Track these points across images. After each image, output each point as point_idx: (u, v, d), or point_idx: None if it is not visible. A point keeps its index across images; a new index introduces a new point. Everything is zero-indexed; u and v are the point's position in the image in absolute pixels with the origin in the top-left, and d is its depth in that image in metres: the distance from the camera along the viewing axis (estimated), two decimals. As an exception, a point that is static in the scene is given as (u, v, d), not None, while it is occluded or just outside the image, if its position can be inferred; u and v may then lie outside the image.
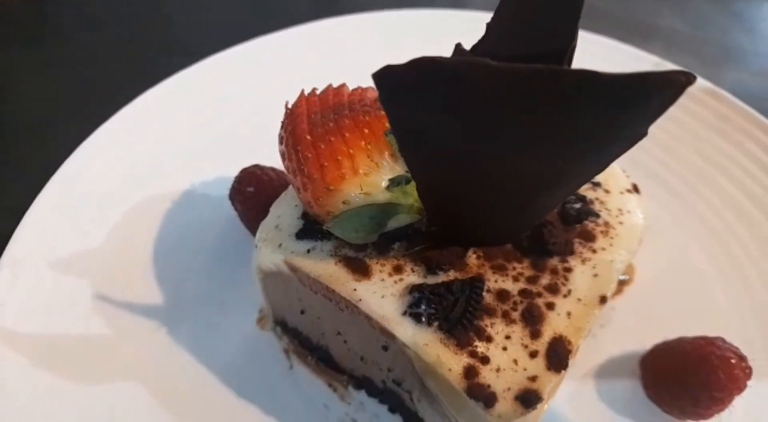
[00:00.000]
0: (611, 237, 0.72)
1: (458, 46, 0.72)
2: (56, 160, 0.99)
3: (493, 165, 0.54)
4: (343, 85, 0.75)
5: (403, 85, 0.48)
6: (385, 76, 0.48)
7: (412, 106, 0.50)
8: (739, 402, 0.77)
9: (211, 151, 1.09)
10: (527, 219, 0.67)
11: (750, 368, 0.74)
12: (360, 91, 0.74)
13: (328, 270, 0.67)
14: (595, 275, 0.68)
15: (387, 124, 0.67)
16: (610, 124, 0.48)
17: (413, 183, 0.62)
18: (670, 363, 0.81)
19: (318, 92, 0.75)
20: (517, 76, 0.45)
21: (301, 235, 0.70)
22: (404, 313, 0.64)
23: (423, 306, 0.64)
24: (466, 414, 0.65)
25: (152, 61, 1.37)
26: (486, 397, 0.61)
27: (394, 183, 0.64)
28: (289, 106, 0.76)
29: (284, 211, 0.74)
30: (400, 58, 0.47)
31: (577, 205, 0.74)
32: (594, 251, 0.70)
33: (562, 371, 0.62)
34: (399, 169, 0.66)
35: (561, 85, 0.44)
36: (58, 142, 1.03)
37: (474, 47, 0.66)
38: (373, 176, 0.64)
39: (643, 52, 1.22)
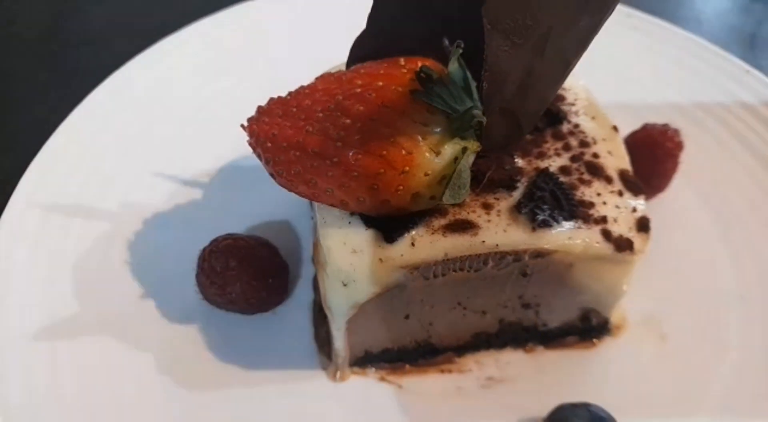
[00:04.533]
0: (568, 90, 0.82)
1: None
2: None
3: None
4: (301, 88, 0.68)
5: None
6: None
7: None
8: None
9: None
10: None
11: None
12: (322, 83, 0.68)
13: (446, 244, 0.65)
14: (593, 117, 0.79)
15: (399, 88, 0.64)
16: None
17: (473, 117, 0.62)
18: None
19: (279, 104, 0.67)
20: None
21: (390, 239, 0.65)
22: (533, 229, 0.66)
23: (539, 214, 0.66)
24: (608, 276, 0.72)
25: (66, 53, 1.31)
26: (627, 244, 0.69)
27: (461, 128, 0.62)
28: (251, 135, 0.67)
29: (344, 236, 0.66)
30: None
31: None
32: (573, 104, 0.80)
33: (642, 191, 0.73)
34: (442, 118, 0.64)
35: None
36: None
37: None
38: (433, 137, 0.62)
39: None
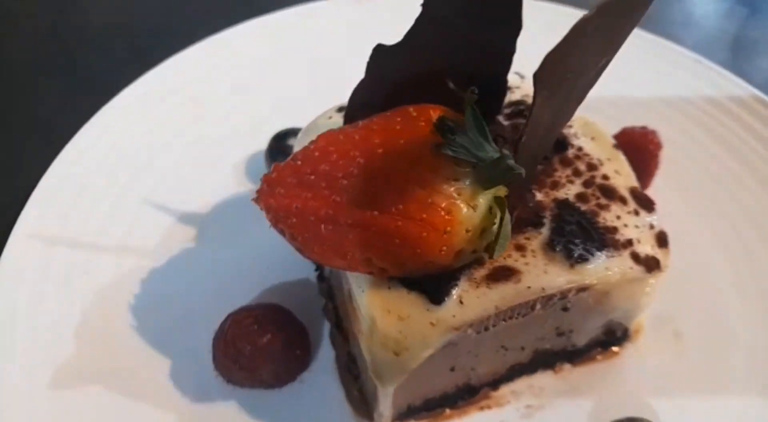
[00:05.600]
0: (563, 110, 0.83)
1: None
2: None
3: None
4: (308, 151, 0.64)
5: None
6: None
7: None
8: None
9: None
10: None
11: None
12: (330, 144, 0.64)
13: (494, 297, 0.63)
14: (592, 138, 0.80)
15: (421, 144, 0.62)
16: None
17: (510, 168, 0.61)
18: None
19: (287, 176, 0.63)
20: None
21: (436, 300, 0.63)
22: (572, 266, 0.66)
23: (574, 249, 0.66)
24: (641, 297, 0.74)
25: (67, 55, 1.31)
26: (655, 263, 0.70)
27: (492, 178, 0.61)
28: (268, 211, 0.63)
29: (386, 302, 0.63)
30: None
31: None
32: (570, 126, 0.81)
33: (653, 206, 0.74)
34: (468, 170, 0.62)
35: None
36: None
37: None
38: (465, 191, 0.60)
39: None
